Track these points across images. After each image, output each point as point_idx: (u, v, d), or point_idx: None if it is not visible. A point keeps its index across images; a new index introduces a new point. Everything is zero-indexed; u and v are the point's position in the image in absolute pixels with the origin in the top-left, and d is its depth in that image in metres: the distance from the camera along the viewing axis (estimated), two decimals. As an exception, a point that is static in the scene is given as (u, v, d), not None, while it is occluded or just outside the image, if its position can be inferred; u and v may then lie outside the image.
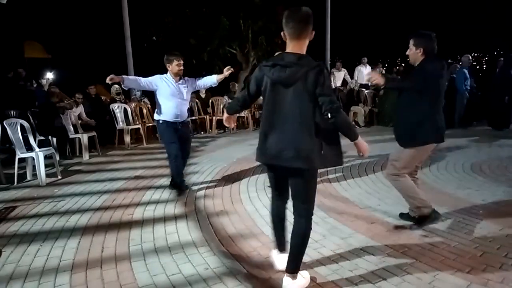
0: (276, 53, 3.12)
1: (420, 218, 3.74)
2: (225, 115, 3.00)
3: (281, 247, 2.92)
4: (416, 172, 3.87)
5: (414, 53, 3.56)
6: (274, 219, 2.91)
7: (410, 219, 3.83)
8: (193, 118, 10.63)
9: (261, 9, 12.07)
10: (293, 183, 2.67)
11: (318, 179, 4.42)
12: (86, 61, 15.89)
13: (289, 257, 2.69)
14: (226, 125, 3.13)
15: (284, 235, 2.90)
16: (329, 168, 4.83)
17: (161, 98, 4.88)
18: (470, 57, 10.34)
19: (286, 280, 2.68)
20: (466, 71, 9.82)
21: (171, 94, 4.85)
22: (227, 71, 4.93)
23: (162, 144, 8.54)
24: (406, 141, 3.59)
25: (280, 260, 2.89)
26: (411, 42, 3.58)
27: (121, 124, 8.65)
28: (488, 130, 9.64)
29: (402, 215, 3.93)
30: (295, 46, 2.53)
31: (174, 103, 4.85)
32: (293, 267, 2.67)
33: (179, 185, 5.03)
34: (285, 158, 2.51)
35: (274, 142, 2.56)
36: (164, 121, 4.88)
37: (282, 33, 2.57)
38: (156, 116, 4.98)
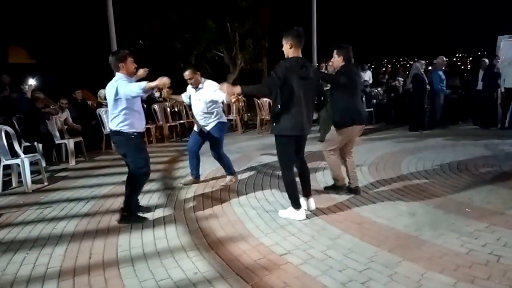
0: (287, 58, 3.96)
1: (335, 186, 4.90)
2: (236, 89, 3.83)
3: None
4: (350, 154, 4.86)
5: (337, 61, 4.57)
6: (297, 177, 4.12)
7: (332, 188, 4.92)
8: (182, 121, 10.60)
9: (248, 12, 12.11)
10: (304, 145, 4.19)
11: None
12: (72, 65, 15.76)
13: (308, 186, 4.26)
14: (230, 95, 3.99)
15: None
16: (317, 171, 5.33)
17: (131, 104, 4.03)
18: (445, 58, 10.41)
19: (311, 200, 4.25)
20: (440, 72, 9.88)
21: (138, 98, 4.14)
22: (144, 72, 4.44)
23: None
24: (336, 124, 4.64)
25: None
26: (335, 52, 4.57)
27: (107, 129, 8.57)
28: (474, 129, 9.79)
29: (326, 187, 5.00)
30: (299, 52, 3.85)
31: (141, 109, 4.22)
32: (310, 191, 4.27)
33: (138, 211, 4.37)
34: (308, 129, 3.97)
35: (303, 118, 3.84)
36: (138, 133, 4.13)
37: (288, 44, 3.79)
38: (126, 129, 4.02)
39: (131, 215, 4.19)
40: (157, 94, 5.09)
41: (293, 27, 3.81)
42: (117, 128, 4.04)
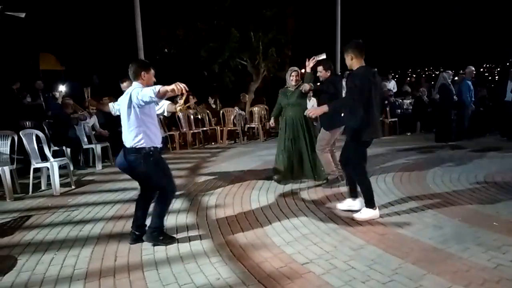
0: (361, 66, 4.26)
1: (331, 181, 5.59)
2: (323, 108, 4.23)
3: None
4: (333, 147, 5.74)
5: (324, 73, 5.60)
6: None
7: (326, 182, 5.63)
8: (204, 129, 10.73)
9: (271, 21, 12.18)
10: None
11: (330, 192, 4.48)
12: (100, 72, 16.14)
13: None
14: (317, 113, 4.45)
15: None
16: (341, 180, 5.56)
17: (150, 116, 3.67)
18: (473, 68, 10.15)
19: (361, 199, 4.40)
20: (469, 82, 9.68)
21: (155, 109, 3.88)
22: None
23: (173, 156, 8.58)
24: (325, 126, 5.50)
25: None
26: (322, 67, 5.58)
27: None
28: (501, 141, 9.54)
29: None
30: (362, 61, 4.15)
31: (157, 122, 3.83)
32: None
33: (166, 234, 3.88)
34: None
35: (378, 122, 4.35)
36: (156, 148, 3.68)
37: (349, 56, 4.16)
38: (145, 143, 3.56)
39: (164, 235, 3.82)
40: (168, 109, 4.52)
41: (352, 40, 4.19)
42: (133, 145, 3.55)
